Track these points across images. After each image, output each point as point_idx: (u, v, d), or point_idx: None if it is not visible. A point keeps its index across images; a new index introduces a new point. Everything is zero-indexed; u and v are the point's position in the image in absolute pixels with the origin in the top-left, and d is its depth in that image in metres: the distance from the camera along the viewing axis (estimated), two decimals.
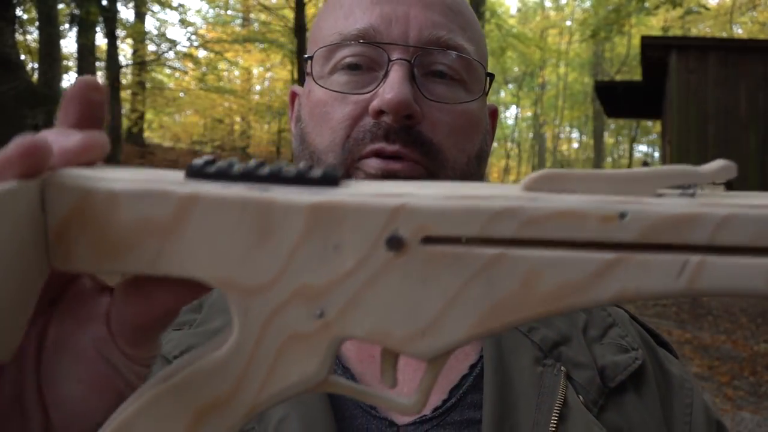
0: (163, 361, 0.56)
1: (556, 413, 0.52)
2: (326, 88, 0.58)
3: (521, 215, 0.24)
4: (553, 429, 0.52)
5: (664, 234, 0.23)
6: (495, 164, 25.05)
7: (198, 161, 0.26)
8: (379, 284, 0.25)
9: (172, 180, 0.25)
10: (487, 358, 0.56)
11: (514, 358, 0.56)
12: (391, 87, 0.54)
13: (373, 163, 0.55)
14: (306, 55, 0.63)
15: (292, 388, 0.26)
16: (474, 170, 0.60)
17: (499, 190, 0.25)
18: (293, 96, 0.68)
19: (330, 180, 0.25)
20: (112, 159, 10.52)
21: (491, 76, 0.63)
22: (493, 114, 0.68)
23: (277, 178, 0.25)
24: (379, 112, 0.55)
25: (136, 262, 0.25)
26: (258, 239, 0.25)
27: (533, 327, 0.59)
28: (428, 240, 0.24)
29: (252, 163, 0.26)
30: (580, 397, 0.54)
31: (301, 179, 0.25)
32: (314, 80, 0.60)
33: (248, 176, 0.25)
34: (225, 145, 18.26)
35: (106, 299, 0.30)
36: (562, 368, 0.56)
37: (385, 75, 0.56)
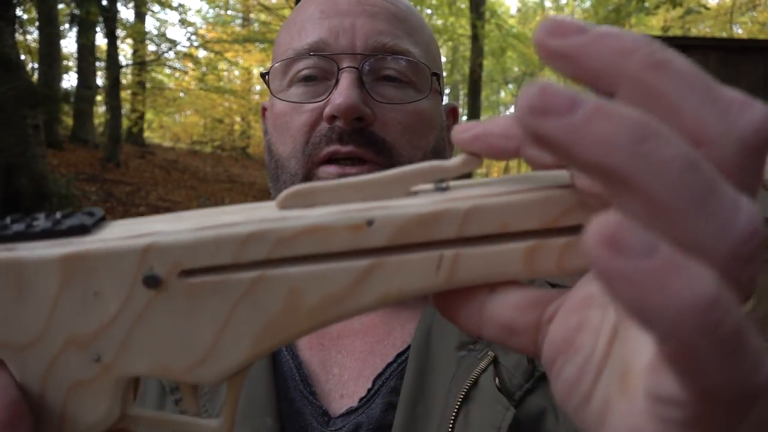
0: None
1: (462, 394, 0.54)
2: (285, 100, 0.63)
3: (270, 237, 0.24)
4: (457, 409, 0.53)
5: (413, 234, 0.24)
6: (495, 164, 25.06)
7: None
8: (147, 322, 0.25)
9: None
10: (414, 346, 0.58)
11: (440, 345, 0.58)
12: (340, 93, 0.59)
13: (330, 170, 0.59)
14: (262, 71, 0.68)
15: None
16: None
17: (253, 214, 0.26)
18: (264, 111, 0.72)
19: (78, 230, 0.26)
20: (113, 159, 10.53)
21: (437, 74, 0.66)
22: (453, 111, 0.72)
23: (24, 235, 0.26)
24: (332, 117, 0.59)
25: None
26: (16, 298, 0.25)
27: None
28: (186, 273, 0.25)
29: (3, 221, 0.26)
30: (497, 380, 0.55)
31: (48, 233, 0.26)
32: (273, 94, 0.65)
33: None
34: (225, 145, 18.27)
35: None
36: (490, 353, 0.57)
37: (336, 83, 0.60)
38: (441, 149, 0.66)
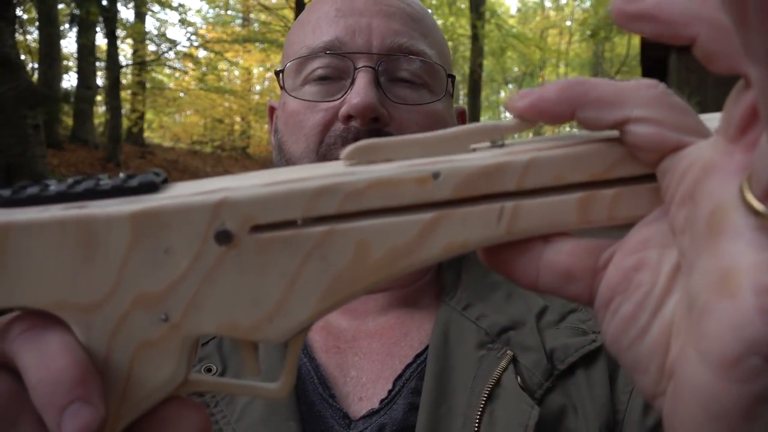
0: None
1: (486, 393, 0.54)
2: (299, 98, 0.62)
3: (340, 190, 0.25)
4: (481, 408, 0.53)
5: (476, 186, 0.25)
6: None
7: (6, 190, 0.26)
8: (217, 279, 0.25)
9: None
10: (432, 347, 0.58)
11: (458, 345, 0.58)
12: (357, 92, 0.58)
13: None
14: (276, 70, 0.67)
15: (152, 395, 0.26)
16: None
17: (319, 170, 0.26)
18: (272, 110, 0.72)
19: (148, 187, 0.26)
20: (113, 159, 10.53)
21: (452, 77, 0.66)
22: (461, 115, 0.72)
23: (94, 193, 0.25)
24: (348, 117, 0.59)
25: None
26: (84, 257, 0.25)
27: (483, 314, 0.60)
28: (257, 228, 0.25)
29: (69, 181, 0.26)
30: (519, 378, 0.55)
31: (118, 191, 0.25)
32: (287, 92, 0.64)
33: (64, 196, 0.25)
34: (225, 145, 18.27)
35: None
36: (509, 352, 0.56)
37: (352, 82, 0.60)
38: None
